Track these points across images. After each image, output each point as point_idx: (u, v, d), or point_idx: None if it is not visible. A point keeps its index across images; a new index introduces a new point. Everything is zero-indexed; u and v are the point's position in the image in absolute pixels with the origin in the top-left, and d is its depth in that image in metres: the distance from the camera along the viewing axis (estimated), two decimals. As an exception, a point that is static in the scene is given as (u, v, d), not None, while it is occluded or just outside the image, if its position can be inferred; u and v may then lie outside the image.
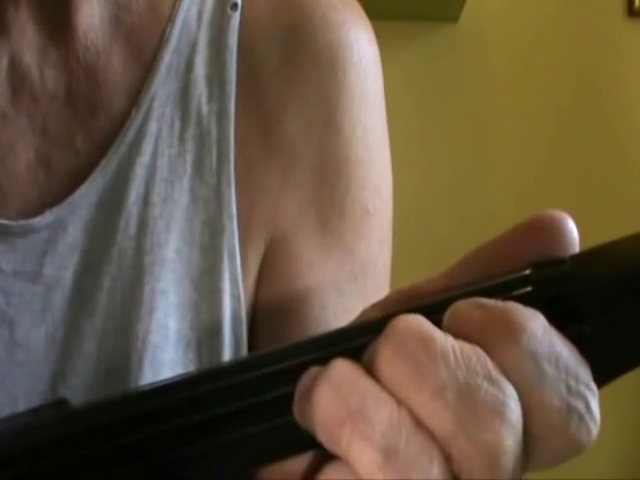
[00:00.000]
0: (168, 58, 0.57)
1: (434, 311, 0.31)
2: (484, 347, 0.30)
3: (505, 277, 0.32)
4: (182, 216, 0.55)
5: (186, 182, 0.56)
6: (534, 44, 1.85)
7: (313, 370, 0.31)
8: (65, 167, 0.55)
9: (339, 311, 0.56)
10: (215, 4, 0.59)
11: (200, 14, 0.58)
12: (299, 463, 0.31)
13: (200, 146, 0.56)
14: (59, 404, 0.33)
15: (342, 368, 0.30)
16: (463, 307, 0.31)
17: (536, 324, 0.30)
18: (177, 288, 0.54)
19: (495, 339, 0.30)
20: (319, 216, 0.57)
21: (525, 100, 1.85)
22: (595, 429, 0.30)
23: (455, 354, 0.29)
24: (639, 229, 0.33)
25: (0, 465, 0.31)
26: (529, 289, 0.32)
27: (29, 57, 0.55)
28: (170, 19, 0.58)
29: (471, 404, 0.28)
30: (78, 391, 0.52)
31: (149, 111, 0.56)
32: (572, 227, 0.33)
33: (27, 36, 0.55)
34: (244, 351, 0.56)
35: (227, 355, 0.55)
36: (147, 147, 0.55)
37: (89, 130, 0.56)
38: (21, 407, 0.52)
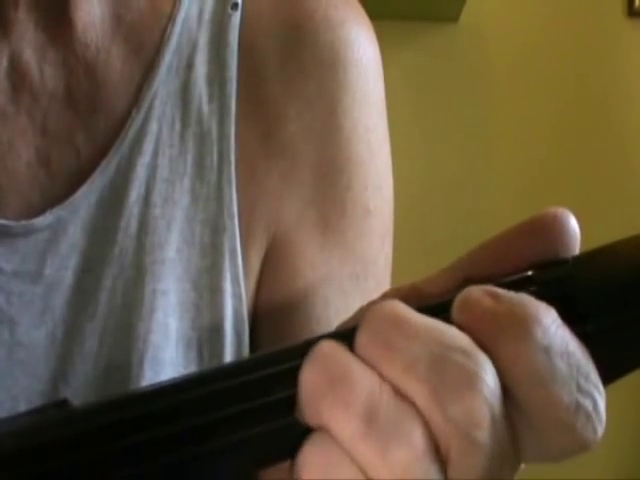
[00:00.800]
0: (169, 57, 0.57)
1: (439, 311, 0.31)
2: (494, 337, 0.30)
3: (508, 278, 0.32)
4: (183, 216, 0.55)
5: (187, 182, 0.56)
6: (534, 44, 1.85)
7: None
8: (65, 166, 0.55)
9: (341, 309, 0.56)
10: (216, 3, 0.59)
11: (201, 13, 0.58)
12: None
13: (201, 145, 0.56)
14: (60, 405, 0.33)
15: (324, 345, 0.30)
16: (474, 295, 0.31)
17: (550, 318, 0.30)
18: (178, 288, 0.54)
19: (508, 330, 0.30)
20: (320, 215, 0.57)
21: (525, 100, 1.85)
22: (601, 429, 0.30)
23: (427, 330, 0.29)
24: (640, 229, 0.33)
25: (1, 465, 0.31)
26: (532, 289, 0.32)
27: (29, 55, 0.55)
28: (171, 18, 0.58)
29: (443, 376, 0.29)
30: (79, 391, 0.52)
31: (150, 110, 0.56)
32: (574, 224, 0.33)
33: (27, 34, 0.55)
34: (246, 350, 0.56)
35: (229, 354, 0.55)
36: (148, 147, 0.55)
37: (89, 129, 0.56)
38: (22, 407, 0.52)
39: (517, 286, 0.32)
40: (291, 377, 0.31)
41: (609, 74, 1.88)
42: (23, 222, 0.53)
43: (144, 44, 0.57)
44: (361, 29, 0.60)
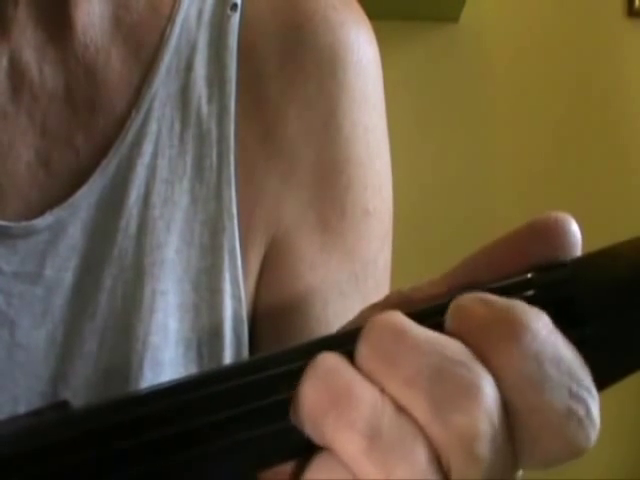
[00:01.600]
0: (168, 58, 0.57)
1: (435, 314, 0.31)
2: (487, 344, 0.30)
3: (506, 280, 0.32)
4: (182, 217, 0.55)
5: (186, 183, 0.56)
6: (534, 44, 1.85)
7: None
8: (65, 167, 0.55)
9: (340, 310, 0.56)
10: (215, 4, 0.59)
11: (200, 14, 0.58)
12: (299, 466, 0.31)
13: (200, 146, 0.56)
14: (60, 406, 0.33)
15: (326, 360, 0.30)
16: (466, 302, 0.31)
17: (540, 324, 0.30)
18: (177, 289, 0.54)
19: (498, 337, 0.30)
20: (320, 216, 0.57)
21: (525, 100, 1.85)
22: (594, 434, 0.30)
23: (428, 343, 0.29)
24: (640, 231, 0.33)
25: (1, 467, 0.31)
26: (530, 292, 0.32)
27: (28, 55, 0.55)
28: (170, 18, 0.58)
29: (444, 389, 0.29)
30: (79, 392, 0.52)
31: (149, 111, 0.56)
32: (575, 229, 0.33)
33: (26, 34, 0.55)
34: (245, 351, 0.56)
35: (228, 355, 0.55)
36: (147, 147, 0.55)
37: (89, 129, 0.56)
38: (22, 408, 0.52)
39: (515, 289, 0.32)
40: (290, 379, 0.31)
41: (609, 74, 1.88)
42: (23, 223, 0.54)
43: (143, 45, 0.57)
44: (360, 30, 0.60)
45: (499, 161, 1.85)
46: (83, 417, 0.32)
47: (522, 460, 0.30)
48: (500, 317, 0.30)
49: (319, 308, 0.56)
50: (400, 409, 0.29)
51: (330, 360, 0.30)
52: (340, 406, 0.29)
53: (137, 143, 0.55)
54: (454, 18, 1.83)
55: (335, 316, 0.56)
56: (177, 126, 0.56)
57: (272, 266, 0.57)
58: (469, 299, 0.31)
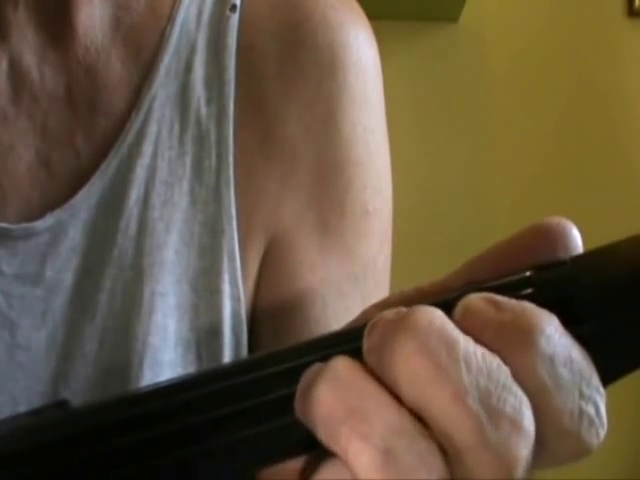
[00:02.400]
0: (168, 59, 0.57)
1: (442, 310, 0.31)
2: (500, 349, 0.29)
3: (506, 279, 0.32)
4: (181, 218, 0.55)
5: (185, 184, 0.56)
6: (534, 44, 1.85)
7: (315, 367, 0.30)
8: (65, 168, 0.55)
9: (340, 311, 0.56)
10: (214, 5, 0.59)
11: (199, 14, 0.58)
12: (299, 463, 0.31)
13: (199, 148, 0.56)
14: (60, 405, 0.33)
15: (342, 365, 0.30)
16: (476, 303, 0.30)
17: (553, 326, 0.30)
18: (176, 289, 0.54)
19: (512, 341, 0.29)
20: (319, 216, 0.57)
21: (525, 100, 1.85)
22: (603, 433, 0.30)
23: (477, 359, 0.29)
24: (640, 231, 0.33)
25: (1, 466, 0.31)
26: (530, 291, 0.32)
27: (29, 57, 0.56)
28: (170, 19, 0.58)
29: (491, 413, 0.28)
30: (79, 392, 0.52)
31: (149, 112, 0.56)
32: (576, 234, 0.33)
33: (27, 37, 0.55)
34: (244, 351, 0.56)
35: (227, 356, 0.55)
36: (147, 149, 0.55)
37: (89, 130, 0.56)
38: (22, 408, 0.52)
39: (514, 287, 0.32)
40: (291, 377, 0.31)
41: (609, 74, 1.88)
42: (23, 225, 0.54)
43: (143, 46, 0.57)
44: (360, 30, 0.60)
45: (499, 161, 1.85)
46: (82, 416, 0.32)
47: (538, 463, 0.30)
48: (513, 320, 0.30)
49: (318, 308, 0.56)
50: (419, 425, 0.28)
51: (345, 365, 0.29)
52: (355, 418, 0.28)
53: (137, 144, 0.55)
54: (454, 18, 1.83)
55: (335, 316, 0.56)
56: (176, 127, 0.56)
57: (271, 266, 0.57)
58: (478, 299, 0.30)
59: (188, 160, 0.56)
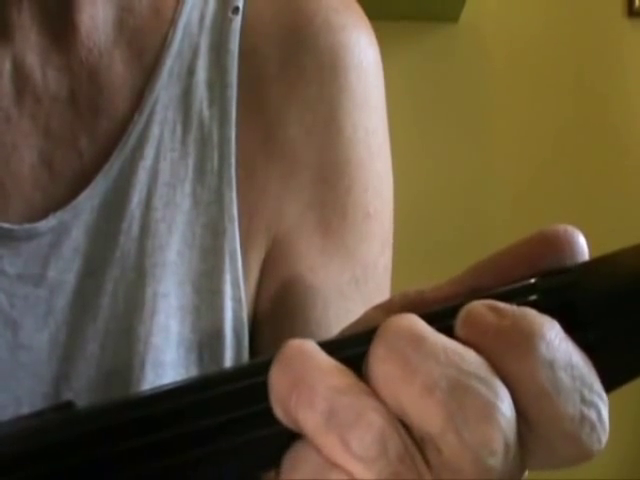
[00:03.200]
0: (170, 62, 0.57)
1: (441, 318, 0.31)
2: (501, 354, 0.30)
3: (511, 285, 0.32)
4: (183, 219, 0.55)
5: (188, 186, 0.56)
6: (534, 44, 1.85)
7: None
8: (68, 169, 0.55)
9: (340, 313, 0.56)
10: (217, 7, 0.59)
11: (202, 17, 0.59)
12: None
13: (202, 150, 0.56)
14: (65, 407, 0.33)
15: (291, 344, 0.30)
16: (477, 310, 0.31)
17: (553, 332, 0.30)
18: (178, 291, 0.55)
19: (513, 347, 0.30)
20: (320, 218, 0.58)
21: (525, 100, 1.85)
22: (605, 438, 0.30)
23: (446, 353, 0.29)
24: None
25: (5, 467, 0.31)
26: (534, 297, 0.32)
27: (32, 59, 0.56)
28: (172, 22, 0.58)
29: (461, 403, 0.28)
30: (81, 393, 0.53)
31: (151, 115, 0.56)
32: (583, 242, 0.33)
33: (30, 38, 0.56)
34: (245, 353, 0.56)
35: (229, 356, 0.55)
36: (149, 151, 0.56)
37: (92, 132, 0.56)
38: (25, 408, 0.52)
39: (519, 294, 0.32)
40: None
41: (609, 74, 1.88)
42: (26, 226, 0.54)
43: (146, 49, 0.57)
44: (361, 33, 0.60)
45: (499, 161, 1.85)
46: (87, 417, 0.32)
47: (534, 463, 0.30)
48: (514, 326, 0.30)
49: (319, 310, 0.56)
50: (358, 384, 0.29)
51: (294, 344, 0.30)
52: (299, 386, 0.29)
53: (139, 146, 0.55)
54: (454, 18, 1.83)
55: (336, 318, 0.56)
56: (179, 129, 0.56)
57: (273, 268, 0.57)
58: (480, 306, 0.31)
59: (190, 162, 0.56)
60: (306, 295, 0.56)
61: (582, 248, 0.33)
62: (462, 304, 0.31)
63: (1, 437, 0.32)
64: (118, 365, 0.53)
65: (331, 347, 0.32)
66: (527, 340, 0.30)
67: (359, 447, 0.28)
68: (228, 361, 0.55)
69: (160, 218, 0.55)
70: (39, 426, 0.32)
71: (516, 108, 1.85)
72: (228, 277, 0.55)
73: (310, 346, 0.30)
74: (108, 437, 0.31)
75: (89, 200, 0.55)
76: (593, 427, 0.30)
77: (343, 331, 0.35)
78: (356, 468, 0.28)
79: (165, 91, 0.57)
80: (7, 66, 0.56)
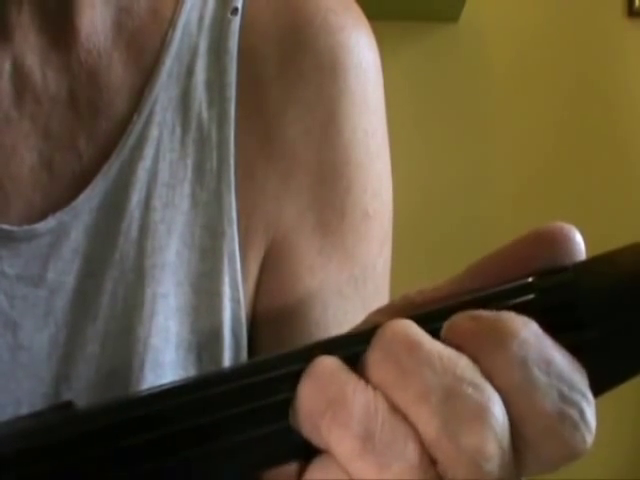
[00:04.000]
0: (169, 62, 0.57)
1: (435, 319, 0.31)
2: (475, 354, 0.30)
3: (508, 285, 0.32)
4: (183, 220, 0.56)
5: (187, 187, 0.56)
6: (534, 44, 1.85)
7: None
8: (67, 170, 0.56)
9: (339, 313, 0.56)
10: (216, 8, 0.59)
11: (201, 18, 0.59)
12: (298, 466, 0.32)
13: (201, 151, 0.56)
14: (65, 406, 0.33)
15: (324, 362, 0.31)
16: (458, 319, 0.31)
17: (527, 331, 0.30)
18: (177, 291, 0.55)
19: (486, 345, 0.30)
20: (319, 219, 0.58)
21: (525, 100, 1.85)
22: (590, 438, 0.30)
23: (441, 360, 0.30)
24: None
25: (5, 467, 0.31)
26: (531, 297, 0.32)
27: (32, 60, 0.56)
28: (171, 23, 0.58)
29: (455, 409, 0.29)
30: (81, 393, 0.53)
31: (150, 115, 0.56)
32: (580, 239, 0.33)
33: (30, 39, 0.56)
34: (244, 354, 0.56)
35: (227, 358, 0.55)
36: (149, 151, 0.56)
37: (91, 133, 0.56)
38: (24, 409, 0.52)
39: (516, 293, 0.32)
40: (290, 381, 0.31)
41: (609, 74, 1.88)
42: (26, 227, 0.54)
43: (145, 49, 0.58)
44: (361, 34, 0.60)
45: (499, 161, 1.85)
46: (86, 417, 0.32)
47: (524, 467, 0.30)
48: (487, 327, 0.30)
49: (318, 311, 0.57)
50: (394, 410, 0.29)
51: (328, 362, 0.31)
52: (335, 407, 0.29)
53: (138, 147, 0.56)
54: (454, 18, 1.83)
55: (334, 319, 0.56)
56: (178, 130, 0.56)
57: (271, 269, 0.57)
58: (461, 316, 0.31)
59: (189, 163, 0.56)
60: (305, 295, 0.56)
61: (579, 245, 0.33)
62: (452, 306, 0.32)
63: (1, 437, 0.32)
64: (118, 366, 0.53)
65: (331, 346, 0.32)
66: (499, 338, 0.30)
67: (394, 477, 0.28)
68: (227, 362, 0.55)
69: (159, 219, 0.55)
70: (39, 426, 0.32)
71: (516, 108, 1.85)
72: (227, 278, 0.55)
73: (337, 363, 0.31)
74: (108, 437, 0.31)
75: (88, 201, 0.55)
76: (575, 426, 0.30)
77: (341, 335, 0.35)
78: None
79: (164, 92, 0.57)
80: (7, 67, 0.56)
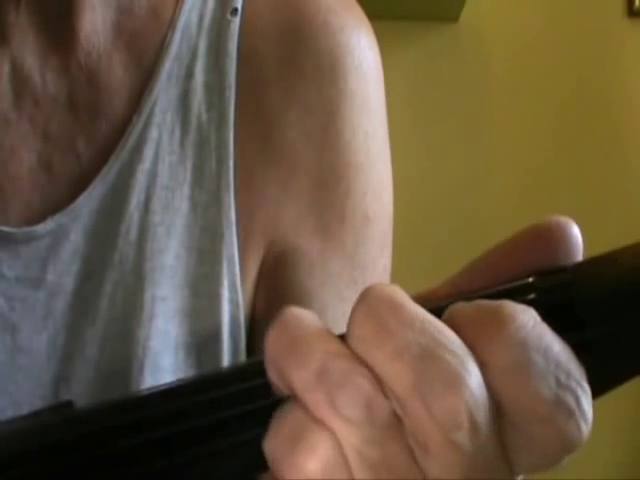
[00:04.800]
0: (169, 64, 0.57)
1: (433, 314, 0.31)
2: (474, 337, 0.30)
3: (508, 284, 0.32)
4: (182, 222, 0.55)
5: (186, 189, 0.56)
6: (534, 44, 1.86)
7: None
8: (67, 171, 0.55)
9: (338, 316, 0.56)
10: (215, 9, 0.59)
11: (201, 19, 0.59)
12: None
13: (200, 153, 0.56)
14: (64, 406, 0.33)
15: (290, 311, 0.31)
16: (458, 306, 0.31)
17: (526, 316, 0.30)
18: (176, 294, 0.55)
19: (485, 328, 0.30)
20: (319, 221, 0.58)
21: (525, 100, 1.85)
22: (586, 427, 0.30)
23: (422, 322, 0.30)
24: None
25: (4, 466, 0.31)
26: (531, 297, 0.32)
27: (30, 62, 0.56)
28: (171, 24, 0.58)
29: (429, 370, 0.29)
30: (80, 396, 0.53)
31: (150, 117, 0.56)
32: (577, 233, 0.33)
33: (28, 41, 0.56)
34: (242, 356, 0.56)
35: (226, 361, 0.55)
36: (148, 153, 0.56)
37: (90, 134, 0.56)
38: (24, 411, 0.52)
39: (516, 293, 0.32)
40: None
41: (609, 74, 1.88)
42: (25, 229, 0.54)
43: (145, 51, 0.57)
44: (361, 35, 0.60)
45: (499, 161, 1.85)
46: (85, 417, 0.32)
47: (520, 459, 0.30)
48: (487, 312, 0.30)
49: (317, 313, 0.56)
50: (358, 360, 0.30)
51: (292, 311, 0.31)
52: (296, 346, 0.30)
53: (138, 149, 0.55)
54: (454, 18, 1.84)
55: (334, 321, 0.56)
56: (177, 132, 0.56)
57: (271, 271, 0.57)
58: (460, 304, 0.31)
59: (189, 165, 0.56)
60: (304, 298, 0.56)
61: (576, 239, 0.33)
62: (448, 305, 0.31)
63: (0, 437, 0.32)
64: (117, 368, 0.53)
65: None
66: (498, 321, 0.30)
67: (346, 407, 0.29)
68: (225, 364, 0.55)
69: (159, 221, 0.55)
70: (38, 425, 0.32)
71: (516, 108, 1.85)
72: (226, 280, 0.55)
73: (306, 314, 0.31)
74: (107, 436, 0.31)
75: (88, 203, 0.55)
76: (571, 413, 0.30)
77: None
78: (341, 428, 0.29)
79: (164, 93, 0.57)
80: (5, 69, 0.56)
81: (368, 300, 0.30)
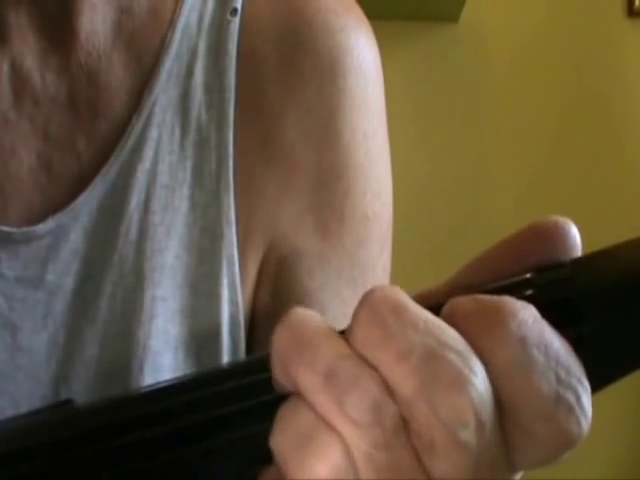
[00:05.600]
0: (169, 63, 0.57)
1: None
2: (474, 333, 0.30)
3: (506, 280, 0.32)
4: (182, 222, 0.55)
5: (186, 189, 0.56)
6: (534, 44, 1.86)
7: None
8: (67, 171, 0.56)
9: (338, 316, 0.56)
10: (215, 9, 0.59)
11: (201, 19, 0.59)
12: None
13: (200, 153, 0.56)
14: (64, 404, 0.33)
15: (297, 311, 0.31)
16: (458, 301, 0.31)
17: (527, 313, 0.30)
18: (176, 294, 0.55)
19: (485, 324, 0.30)
20: (319, 221, 0.58)
21: (525, 100, 1.85)
22: (585, 423, 0.30)
23: (426, 323, 0.30)
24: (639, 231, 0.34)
25: (4, 465, 0.31)
26: (530, 292, 0.32)
27: (30, 62, 0.56)
28: (171, 24, 0.58)
29: (434, 371, 0.29)
30: (80, 395, 0.53)
31: (150, 117, 0.56)
32: (575, 232, 0.33)
33: (28, 41, 0.56)
34: (242, 356, 0.56)
35: (225, 360, 0.55)
36: (148, 153, 0.56)
37: (90, 134, 0.56)
38: (23, 411, 0.52)
39: (515, 288, 0.32)
40: None
41: (609, 74, 1.88)
42: (24, 229, 0.54)
43: (145, 51, 0.57)
44: (361, 35, 0.60)
45: (499, 161, 1.85)
46: (85, 415, 0.32)
47: (520, 456, 0.30)
48: (487, 307, 0.31)
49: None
50: (364, 360, 0.30)
51: (300, 312, 0.31)
52: (303, 347, 0.30)
53: (138, 149, 0.56)
54: (454, 18, 1.84)
55: (333, 321, 0.56)
56: (177, 132, 0.56)
57: (270, 271, 0.57)
58: (459, 298, 0.31)
59: (189, 165, 0.56)
60: (304, 298, 0.56)
61: (575, 239, 0.33)
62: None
63: (0, 435, 0.32)
64: (117, 368, 0.53)
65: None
66: (499, 317, 0.30)
67: (354, 411, 0.29)
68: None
69: (158, 221, 0.55)
70: (38, 424, 0.32)
71: (516, 108, 1.85)
72: (225, 280, 0.55)
73: (313, 314, 0.31)
74: (107, 434, 0.31)
75: (87, 203, 0.55)
76: (571, 409, 0.30)
77: None
78: (349, 431, 0.29)
79: (164, 93, 0.57)
80: (5, 69, 0.56)
81: (370, 302, 0.30)
